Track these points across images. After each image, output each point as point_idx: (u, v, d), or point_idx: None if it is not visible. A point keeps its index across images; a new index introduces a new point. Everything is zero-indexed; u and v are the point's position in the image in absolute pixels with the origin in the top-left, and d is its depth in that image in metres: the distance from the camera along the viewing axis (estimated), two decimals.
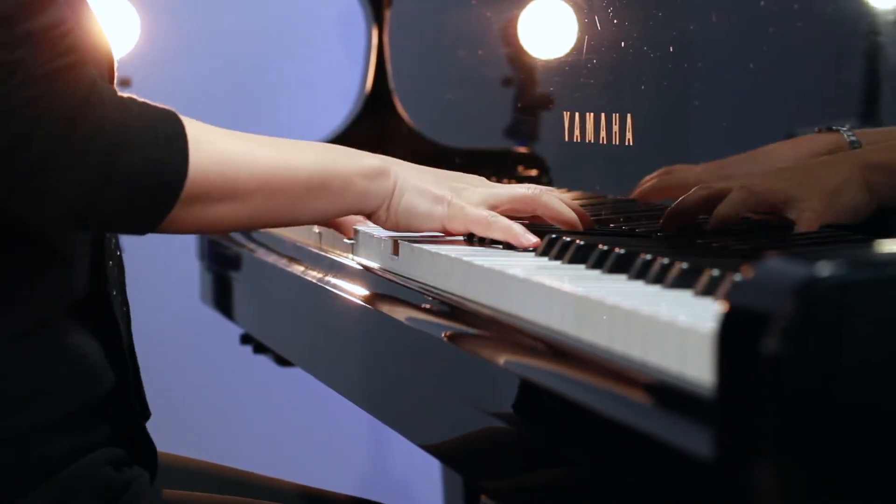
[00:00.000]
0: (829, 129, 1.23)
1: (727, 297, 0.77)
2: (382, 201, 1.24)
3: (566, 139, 1.55)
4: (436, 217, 1.25)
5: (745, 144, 1.30)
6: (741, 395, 0.74)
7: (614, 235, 1.39)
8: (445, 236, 1.30)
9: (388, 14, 2.12)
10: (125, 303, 1.26)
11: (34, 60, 1.05)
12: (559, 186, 1.70)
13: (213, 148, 1.13)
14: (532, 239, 1.25)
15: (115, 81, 1.21)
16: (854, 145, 1.22)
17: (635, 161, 1.45)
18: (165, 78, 2.91)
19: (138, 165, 1.09)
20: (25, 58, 1.05)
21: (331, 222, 1.40)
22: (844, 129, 1.21)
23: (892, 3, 1.17)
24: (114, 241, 1.26)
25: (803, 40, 1.25)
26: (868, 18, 1.19)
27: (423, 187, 1.25)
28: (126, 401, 1.23)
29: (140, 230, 1.14)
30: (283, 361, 1.94)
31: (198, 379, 3.08)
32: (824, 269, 0.73)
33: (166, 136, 1.10)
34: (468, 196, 1.27)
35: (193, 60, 3.00)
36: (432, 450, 1.24)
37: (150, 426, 1.26)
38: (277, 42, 3.07)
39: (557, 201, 1.30)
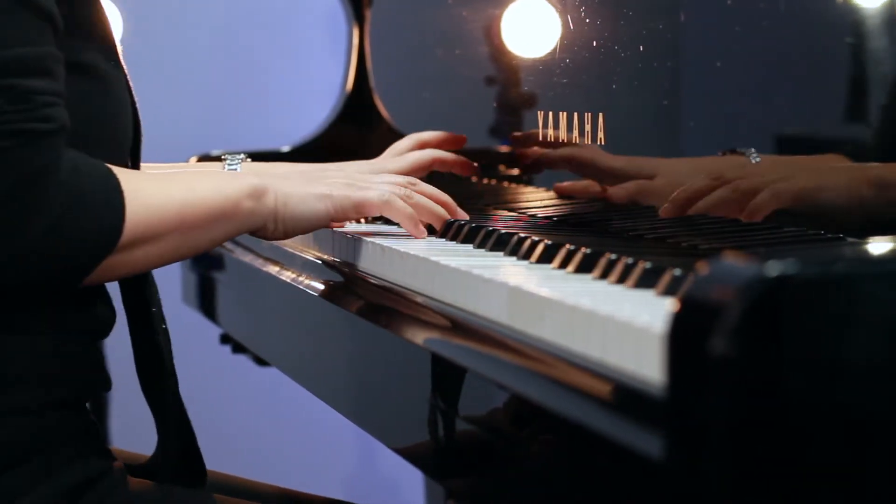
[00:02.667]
0: (734, 152, 1.27)
1: (678, 297, 0.77)
2: (268, 217, 1.28)
3: (540, 138, 1.55)
4: (322, 217, 1.31)
5: (715, 144, 1.30)
6: (690, 395, 0.73)
7: (590, 235, 1.39)
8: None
9: (368, 13, 2.12)
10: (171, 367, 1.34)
11: (8, 115, 1.09)
12: (536, 186, 1.70)
13: (142, 197, 1.18)
14: (423, 232, 1.35)
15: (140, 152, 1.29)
16: None
17: None
18: (147, 76, 2.90)
19: (84, 227, 1.13)
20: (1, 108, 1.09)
21: None
22: (751, 152, 1.23)
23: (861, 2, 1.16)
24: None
25: (772, 39, 1.25)
26: (844, 17, 1.19)
27: (302, 193, 1.31)
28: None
29: (72, 284, 1.18)
30: (261, 361, 1.94)
31: (186, 383, 3.07)
32: (773, 268, 0.73)
33: (107, 194, 1.15)
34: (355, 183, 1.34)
35: (176, 59, 2.99)
36: (402, 452, 1.24)
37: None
38: (261, 41, 3.07)
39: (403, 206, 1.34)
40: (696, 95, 1.36)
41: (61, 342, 1.22)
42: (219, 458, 2.40)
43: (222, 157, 1.57)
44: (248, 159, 1.57)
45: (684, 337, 0.74)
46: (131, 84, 1.29)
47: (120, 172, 1.18)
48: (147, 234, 1.18)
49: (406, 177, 1.39)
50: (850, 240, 1.17)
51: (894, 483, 0.73)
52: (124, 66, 1.28)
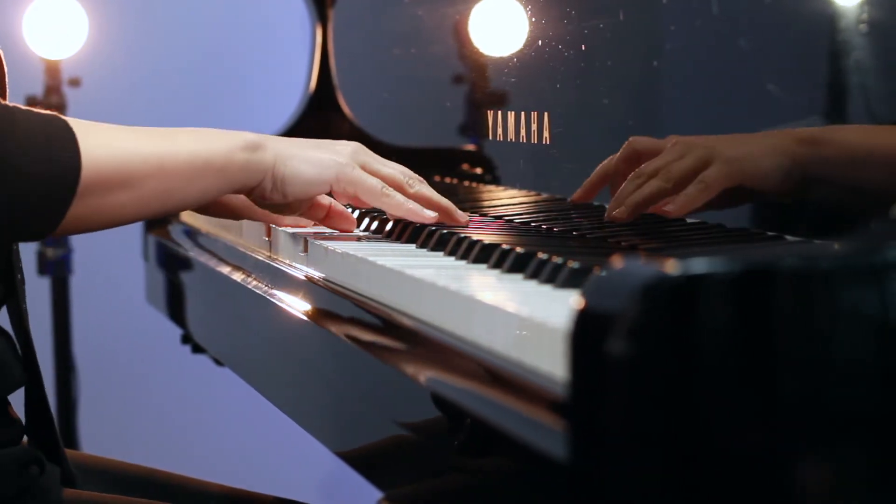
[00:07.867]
0: None
1: (583, 296, 0.76)
2: (265, 173, 1.23)
3: (490, 137, 1.54)
4: (325, 180, 1.25)
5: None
6: (589, 395, 0.73)
7: (536, 235, 1.38)
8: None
9: (331, 13, 2.11)
10: (26, 311, 1.27)
11: None
12: (497, 185, 1.69)
13: (102, 139, 1.13)
14: (431, 214, 1.28)
15: (6, 90, 1.21)
16: None
17: (552, 159, 1.44)
18: (114, 77, 2.90)
19: (31, 167, 1.08)
20: None
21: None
22: None
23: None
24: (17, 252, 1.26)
25: (706, 38, 1.24)
26: (785, 15, 1.18)
27: (305, 154, 1.25)
28: (40, 401, 1.24)
29: (42, 232, 1.13)
30: (219, 362, 1.93)
31: (153, 384, 3.06)
32: (673, 268, 0.72)
33: (55, 134, 1.10)
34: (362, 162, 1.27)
35: (143, 59, 2.98)
36: (339, 454, 1.24)
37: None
38: (228, 39, 3.06)
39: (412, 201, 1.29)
40: (636, 94, 1.35)
41: None
42: (189, 460, 2.39)
43: None
44: None
45: (585, 336, 0.74)
46: None
47: (71, 119, 1.12)
48: (117, 178, 1.13)
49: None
50: (789, 238, 1.16)
51: (786, 477, 0.72)
52: None
